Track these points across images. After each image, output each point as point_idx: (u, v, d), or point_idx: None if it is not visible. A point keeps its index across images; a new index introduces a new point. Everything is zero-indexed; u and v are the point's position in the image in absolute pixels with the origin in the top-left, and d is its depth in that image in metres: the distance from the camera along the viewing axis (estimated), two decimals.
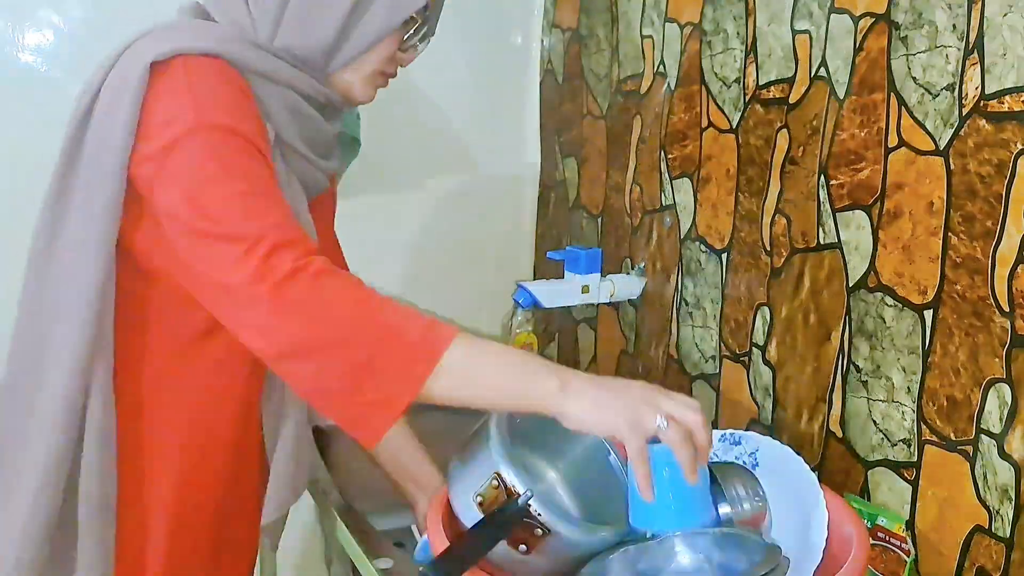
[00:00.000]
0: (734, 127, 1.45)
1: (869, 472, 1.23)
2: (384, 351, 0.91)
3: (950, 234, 1.09)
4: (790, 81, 1.33)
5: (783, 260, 1.36)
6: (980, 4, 1.04)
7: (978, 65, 1.04)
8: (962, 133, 1.07)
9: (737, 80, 1.43)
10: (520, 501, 0.97)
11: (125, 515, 1.10)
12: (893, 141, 1.16)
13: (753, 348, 1.43)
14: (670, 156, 1.60)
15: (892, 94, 1.16)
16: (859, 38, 1.20)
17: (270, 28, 1.06)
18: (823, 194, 1.27)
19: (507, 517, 0.97)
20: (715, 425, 1.53)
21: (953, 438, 1.11)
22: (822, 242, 1.28)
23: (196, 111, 0.98)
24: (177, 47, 1.01)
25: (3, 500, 1.08)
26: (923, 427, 1.15)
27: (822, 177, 1.27)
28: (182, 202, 0.97)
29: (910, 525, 1.17)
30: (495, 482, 0.99)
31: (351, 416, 0.95)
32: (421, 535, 1.19)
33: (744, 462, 1.18)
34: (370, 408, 0.93)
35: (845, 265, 1.25)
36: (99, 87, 1.03)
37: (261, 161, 1.00)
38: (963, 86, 1.07)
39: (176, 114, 0.98)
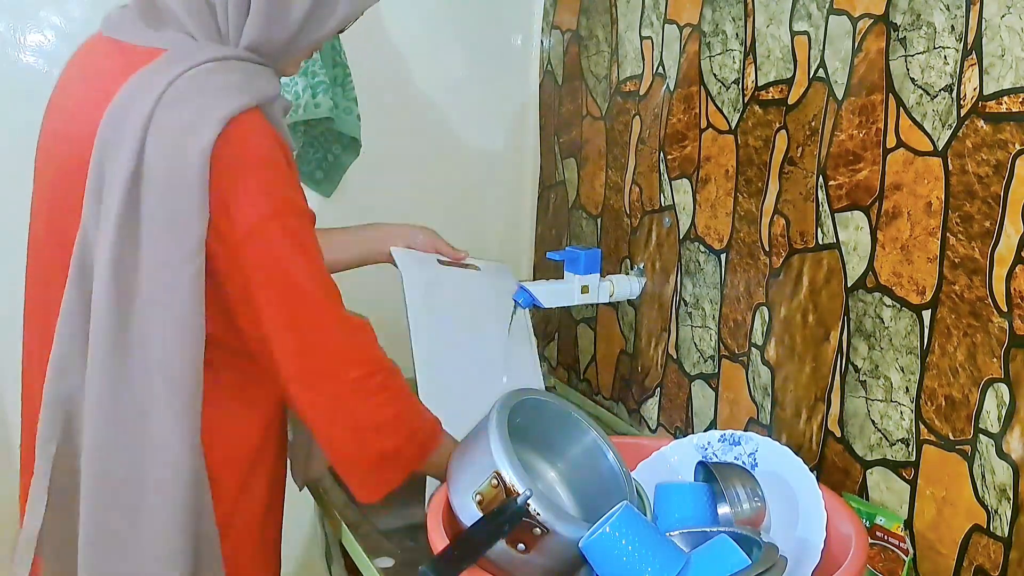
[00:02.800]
0: (733, 128, 1.45)
1: (868, 472, 1.24)
2: (408, 451, 1.13)
3: (948, 234, 1.10)
4: (789, 82, 1.33)
5: (782, 260, 1.36)
6: (979, 5, 1.04)
7: (976, 66, 1.05)
8: (960, 134, 1.07)
9: (736, 81, 1.43)
10: (519, 500, 0.98)
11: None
12: (892, 142, 1.17)
13: (752, 348, 1.43)
14: (669, 157, 1.60)
15: (890, 95, 1.16)
16: (858, 39, 1.21)
17: (236, 28, 1.06)
18: (822, 194, 1.27)
19: (506, 516, 0.98)
20: (714, 425, 1.53)
21: (951, 438, 1.11)
22: (821, 242, 1.29)
23: (267, 195, 1.02)
24: (227, 113, 0.99)
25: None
26: (921, 427, 1.15)
27: (821, 178, 1.27)
28: (278, 290, 1.03)
29: (908, 524, 1.17)
30: (494, 481, 1.00)
31: (366, 480, 1.13)
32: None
33: (743, 463, 1.18)
34: (385, 479, 1.13)
35: (844, 265, 1.25)
36: (139, 152, 0.98)
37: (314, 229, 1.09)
38: (961, 87, 1.07)
39: (246, 198, 1.00)
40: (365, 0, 1.13)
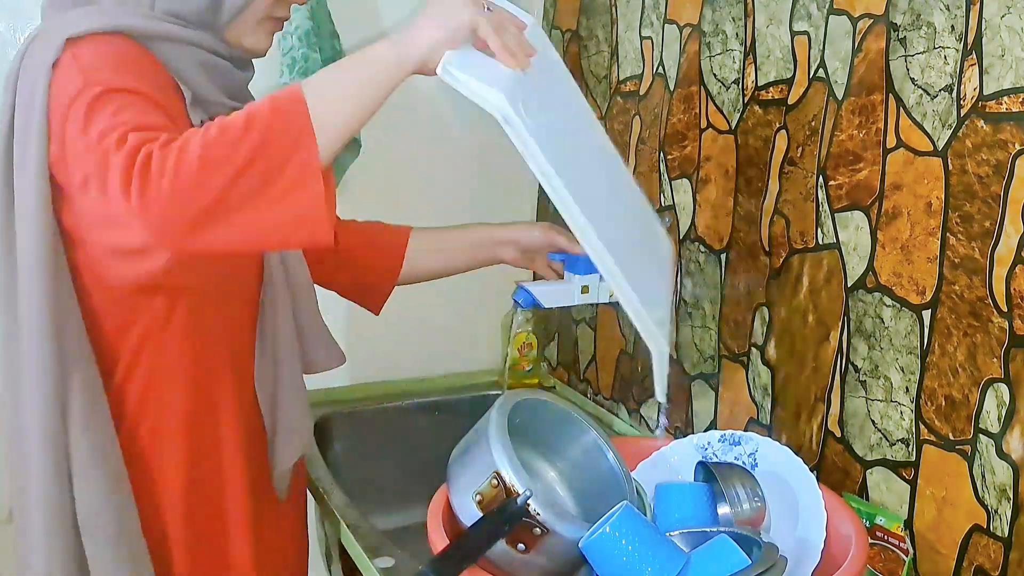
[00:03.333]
0: (733, 128, 1.45)
1: (868, 472, 1.23)
2: (268, 152, 0.91)
3: (948, 235, 1.10)
4: (789, 82, 1.33)
5: (782, 260, 1.36)
6: (979, 5, 1.04)
7: (976, 66, 1.05)
8: (960, 134, 1.07)
9: (736, 81, 1.43)
10: (519, 500, 0.98)
11: (140, 506, 1.11)
12: (892, 142, 1.17)
13: (752, 348, 1.43)
14: (669, 157, 1.60)
15: (891, 95, 1.16)
16: (858, 39, 1.21)
17: None
18: (822, 194, 1.27)
19: (506, 516, 0.98)
20: (714, 425, 1.53)
21: (951, 438, 1.11)
22: (821, 242, 1.29)
23: (84, 78, 0.97)
24: (74, 32, 1.00)
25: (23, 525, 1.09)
26: (921, 427, 1.15)
27: (821, 178, 1.27)
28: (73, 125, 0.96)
29: (908, 524, 1.17)
30: (494, 481, 1.00)
31: (290, 217, 0.95)
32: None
33: (744, 463, 1.18)
34: (296, 195, 0.94)
35: (844, 265, 1.25)
36: (11, 104, 1.03)
37: (155, 109, 0.97)
38: (961, 87, 1.07)
39: (64, 89, 0.98)
40: None
